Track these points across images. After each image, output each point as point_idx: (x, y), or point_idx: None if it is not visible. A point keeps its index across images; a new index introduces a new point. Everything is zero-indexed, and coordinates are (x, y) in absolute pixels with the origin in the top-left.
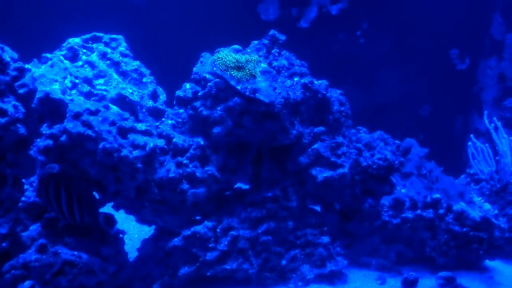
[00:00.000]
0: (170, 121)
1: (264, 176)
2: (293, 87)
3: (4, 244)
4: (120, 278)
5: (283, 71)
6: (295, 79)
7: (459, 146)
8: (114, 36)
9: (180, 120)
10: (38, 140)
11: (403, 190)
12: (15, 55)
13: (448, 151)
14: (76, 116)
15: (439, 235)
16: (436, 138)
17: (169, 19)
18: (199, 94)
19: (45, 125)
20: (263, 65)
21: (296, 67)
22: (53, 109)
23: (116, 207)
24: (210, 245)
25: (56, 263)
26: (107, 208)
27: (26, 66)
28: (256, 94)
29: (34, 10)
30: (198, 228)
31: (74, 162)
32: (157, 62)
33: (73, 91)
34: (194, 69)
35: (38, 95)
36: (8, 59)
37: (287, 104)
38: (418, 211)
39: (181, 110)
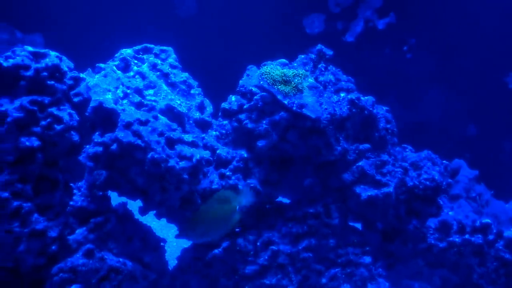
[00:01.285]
0: (214, 132)
1: (305, 191)
2: (339, 102)
3: (53, 247)
4: (160, 285)
5: (330, 86)
6: (342, 94)
7: (509, 168)
8: (164, 47)
9: (223, 131)
10: (88, 146)
11: (450, 213)
12: (71, 65)
13: (496, 173)
14: (127, 125)
15: (488, 262)
16: (483, 159)
17: (215, 31)
18: (245, 107)
19: (97, 133)
20: (310, 80)
21: (343, 83)
22: (106, 118)
23: (159, 216)
24: (249, 259)
25: (102, 268)
26: (150, 216)
27: (81, 75)
28: (303, 109)
29: (87, 20)
30: (239, 240)
31: (122, 170)
32: (201, 74)
33: (124, 101)
34: (240, 82)
35: (92, 104)
36: (65, 68)
37: (333, 120)
38: (466, 236)
39: (225, 122)
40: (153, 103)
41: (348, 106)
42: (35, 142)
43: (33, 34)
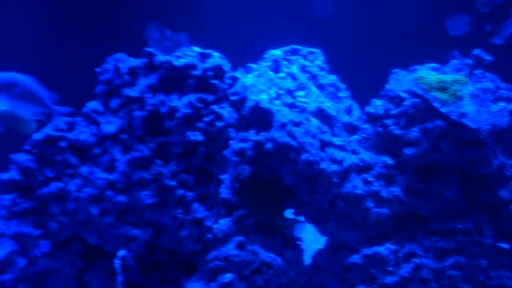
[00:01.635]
0: (355, 136)
1: (445, 203)
2: (499, 113)
3: (209, 236)
4: (296, 283)
5: (488, 95)
6: (501, 104)
7: None
8: (312, 49)
9: (364, 135)
10: (232, 142)
11: None
12: (229, 65)
13: None
14: (282, 126)
15: None
16: None
17: (352, 33)
18: (392, 112)
19: (252, 131)
20: (471, 88)
21: (503, 91)
22: (261, 117)
23: (297, 214)
24: (389, 269)
25: (254, 261)
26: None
27: (237, 74)
28: (463, 119)
29: (228, 20)
30: (380, 249)
31: (272, 168)
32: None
33: (277, 101)
34: (387, 86)
35: (249, 103)
36: (226, 68)
37: (492, 132)
38: None
39: (366, 126)
40: (305, 105)
41: (509, 117)
42: (199, 137)
43: (180, 32)
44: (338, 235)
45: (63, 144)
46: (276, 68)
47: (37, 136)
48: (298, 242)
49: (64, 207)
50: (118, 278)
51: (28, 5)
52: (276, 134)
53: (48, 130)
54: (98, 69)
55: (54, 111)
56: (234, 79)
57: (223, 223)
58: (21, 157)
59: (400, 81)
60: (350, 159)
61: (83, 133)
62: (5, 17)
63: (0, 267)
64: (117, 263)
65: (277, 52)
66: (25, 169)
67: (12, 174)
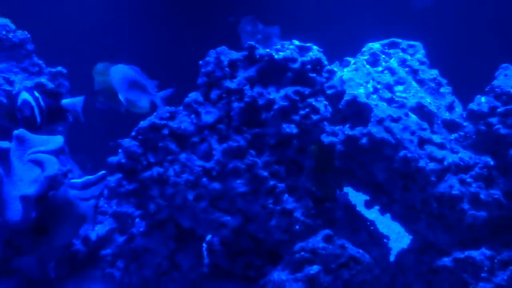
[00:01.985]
0: (454, 134)
1: None
2: None
3: (297, 227)
4: (380, 281)
5: None
6: None
7: None
8: (412, 42)
9: (462, 133)
10: (323, 135)
11: None
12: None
13: None
14: (380, 121)
15: None
16: None
17: (456, 23)
18: (498, 110)
19: (347, 125)
20: None
21: None
22: (357, 112)
23: (384, 212)
24: (483, 275)
25: (343, 255)
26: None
27: (334, 68)
28: None
29: (319, 12)
30: (474, 253)
31: (362, 163)
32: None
33: (374, 96)
34: (495, 82)
35: (346, 97)
36: (325, 62)
37: None
38: None
39: (465, 123)
40: (404, 100)
41: None
42: (294, 130)
43: (272, 26)
44: (428, 235)
45: (165, 131)
46: (373, 61)
47: (143, 123)
48: (385, 240)
49: (163, 191)
50: (204, 261)
51: (133, 3)
52: (374, 129)
53: (153, 118)
54: (200, 62)
55: (159, 99)
56: (331, 73)
57: (311, 215)
58: (128, 143)
59: (510, 77)
60: (450, 157)
61: (184, 122)
62: (115, 16)
63: (101, 242)
64: (204, 246)
65: (375, 45)
66: (131, 154)
67: (119, 158)
